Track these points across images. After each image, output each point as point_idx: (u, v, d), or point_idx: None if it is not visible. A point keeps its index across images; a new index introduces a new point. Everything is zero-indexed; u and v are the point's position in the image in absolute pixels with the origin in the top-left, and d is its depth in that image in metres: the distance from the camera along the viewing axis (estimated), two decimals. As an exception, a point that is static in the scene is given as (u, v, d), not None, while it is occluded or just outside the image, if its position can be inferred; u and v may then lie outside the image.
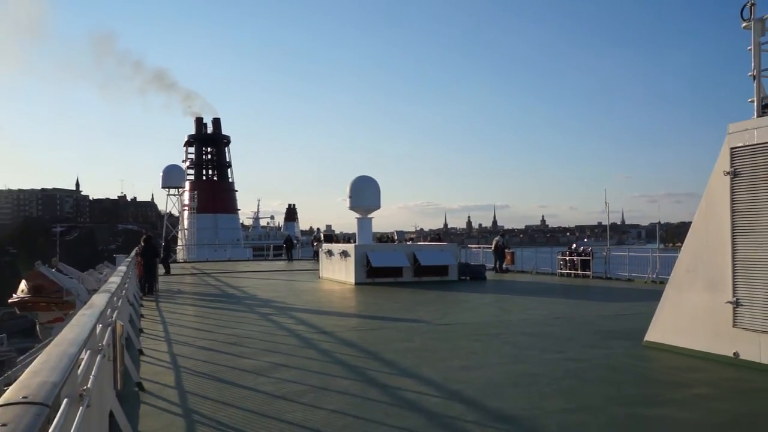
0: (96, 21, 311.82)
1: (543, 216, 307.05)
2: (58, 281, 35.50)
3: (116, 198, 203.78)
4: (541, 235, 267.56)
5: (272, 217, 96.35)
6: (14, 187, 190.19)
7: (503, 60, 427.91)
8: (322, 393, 8.34)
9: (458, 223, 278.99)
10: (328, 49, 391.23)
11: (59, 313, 35.40)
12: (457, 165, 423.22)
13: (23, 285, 43.53)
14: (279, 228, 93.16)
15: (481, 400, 7.91)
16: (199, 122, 77.68)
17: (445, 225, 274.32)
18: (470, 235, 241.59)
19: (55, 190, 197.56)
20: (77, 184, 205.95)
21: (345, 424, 6.97)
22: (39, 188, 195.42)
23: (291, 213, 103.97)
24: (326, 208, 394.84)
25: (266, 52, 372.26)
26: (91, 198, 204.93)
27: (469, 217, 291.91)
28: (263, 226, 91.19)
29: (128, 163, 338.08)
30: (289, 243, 50.64)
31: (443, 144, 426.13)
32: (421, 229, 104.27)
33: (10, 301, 47.12)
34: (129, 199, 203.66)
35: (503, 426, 6.87)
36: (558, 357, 10.74)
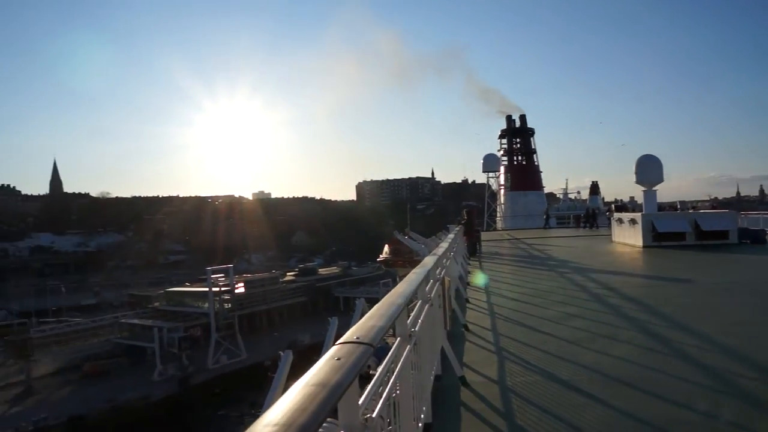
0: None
1: None
2: (408, 245, 38.90)
3: (460, 181, 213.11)
4: None
5: (578, 192, 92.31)
6: (390, 177, 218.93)
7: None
8: (609, 342, 7.78)
9: (751, 191, 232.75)
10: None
11: (411, 269, 38.64)
12: (749, 137, 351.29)
13: (386, 248, 48.46)
14: (584, 201, 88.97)
15: (764, 358, 6.61)
16: (509, 119, 78.00)
17: (738, 194, 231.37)
18: (762, 201, 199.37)
19: (417, 178, 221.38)
20: (432, 173, 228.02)
21: (631, 370, 6.44)
22: (407, 177, 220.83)
23: (594, 188, 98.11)
24: (627, 182, 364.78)
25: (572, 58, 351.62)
26: (442, 182, 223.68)
27: (761, 185, 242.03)
28: (571, 200, 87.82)
29: (465, 154, 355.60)
30: (592, 213, 44.45)
31: (735, 121, 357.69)
32: (716, 198, 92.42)
33: (378, 259, 52.88)
34: (470, 182, 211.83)
35: None
36: None
